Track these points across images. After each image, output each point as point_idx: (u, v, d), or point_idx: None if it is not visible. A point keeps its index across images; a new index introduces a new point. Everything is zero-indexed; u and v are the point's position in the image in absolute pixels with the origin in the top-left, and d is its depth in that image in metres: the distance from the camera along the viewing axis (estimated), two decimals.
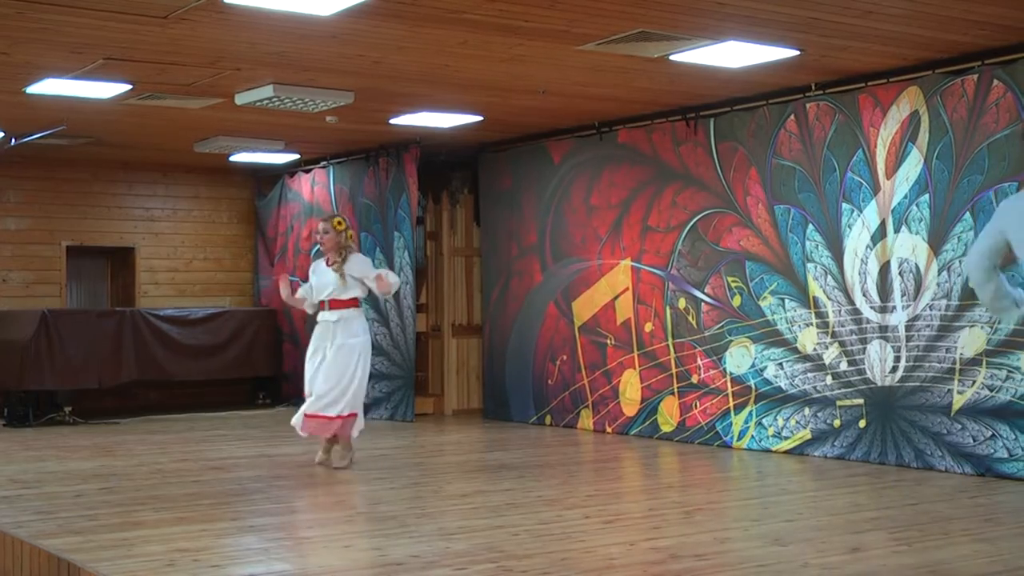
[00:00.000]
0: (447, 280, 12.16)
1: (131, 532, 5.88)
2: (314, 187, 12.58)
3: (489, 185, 11.57)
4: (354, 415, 8.01)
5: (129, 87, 8.35)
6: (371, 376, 11.59)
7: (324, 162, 12.41)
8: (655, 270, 9.75)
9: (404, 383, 11.35)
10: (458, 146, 11.42)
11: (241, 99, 8.61)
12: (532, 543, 5.61)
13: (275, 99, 8.46)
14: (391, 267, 11.43)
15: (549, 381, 10.76)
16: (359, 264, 8.10)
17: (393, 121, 10.04)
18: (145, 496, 7.03)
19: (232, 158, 12.11)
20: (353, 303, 8.03)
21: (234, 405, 12.63)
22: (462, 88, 8.62)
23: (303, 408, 8.03)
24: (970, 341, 7.57)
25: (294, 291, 8.33)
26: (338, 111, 9.29)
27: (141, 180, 13.00)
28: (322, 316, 8.07)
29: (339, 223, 8.05)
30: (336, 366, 7.90)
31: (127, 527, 6.03)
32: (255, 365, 12.67)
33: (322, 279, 8.09)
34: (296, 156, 12.39)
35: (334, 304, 8.00)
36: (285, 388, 12.87)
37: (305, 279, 12.36)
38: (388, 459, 8.78)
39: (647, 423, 9.80)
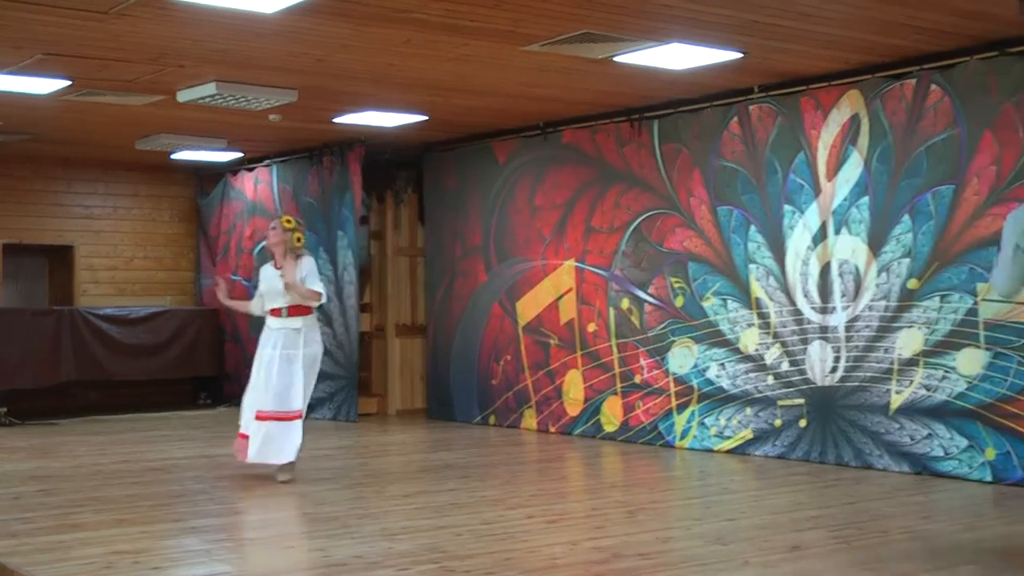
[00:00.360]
0: (391, 280, 12.13)
1: (69, 535, 5.80)
2: (257, 186, 12.49)
3: (434, 185, 11.55)
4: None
5: (68, 83, 8.24)
6: None
7: (267, 161, 12.33)
8: (598, 270, 9.78)
9: (347, 383, 11.30)
10: (403, 145, 11.40)
11: (183, 96, 8.52)
12: (475, 543, 5.61)
13: (218, 96, 8.39)
14: (334, 266, 11.38)
15: (493, 381, 10.76)
16: (302, 268, 7.50)
17: (337, 120, 9.99)
18: (84, 498, 6.94)
19: (174, 156, 11.99)
20: (310, 309, 7.63)
21: (175, 405, 12.51)
22: (407, 87, 8.60)
23: (300, 427, 7.42)
24: (908, 342, 7.67)
25: (236, 295, 7.93)
26: (282, 109, 9.23)
27: (81, 177, 12.83)
28: (281, 323, 7.50)
29: (287, 221, 7.62)
30: (308, 377, 7.51)
31: (64, 529, 5.95)
32: (197, 365, 12.57)
33: (271, 285, 7.55)
34: (239, 154, 12.30)
35: (295, 311, 7.51)
36: (227, 388, 12.77)
37: (248, 278, 12.41)
38: (331, 459, 8.74)
39: (590, 423, 9.83)
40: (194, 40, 7.08)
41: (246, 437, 7.49)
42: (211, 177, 13.27)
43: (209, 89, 8.25)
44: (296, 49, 7.34)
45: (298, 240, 7.58)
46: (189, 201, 13.51)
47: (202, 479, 7.75)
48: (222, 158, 12.41)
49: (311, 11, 6.38)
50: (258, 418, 7.43)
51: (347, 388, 11.30)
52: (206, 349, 12.56)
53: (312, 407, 11.53)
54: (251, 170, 12.59)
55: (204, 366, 12.63)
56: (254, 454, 7.41)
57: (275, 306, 7.57)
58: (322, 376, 11.45)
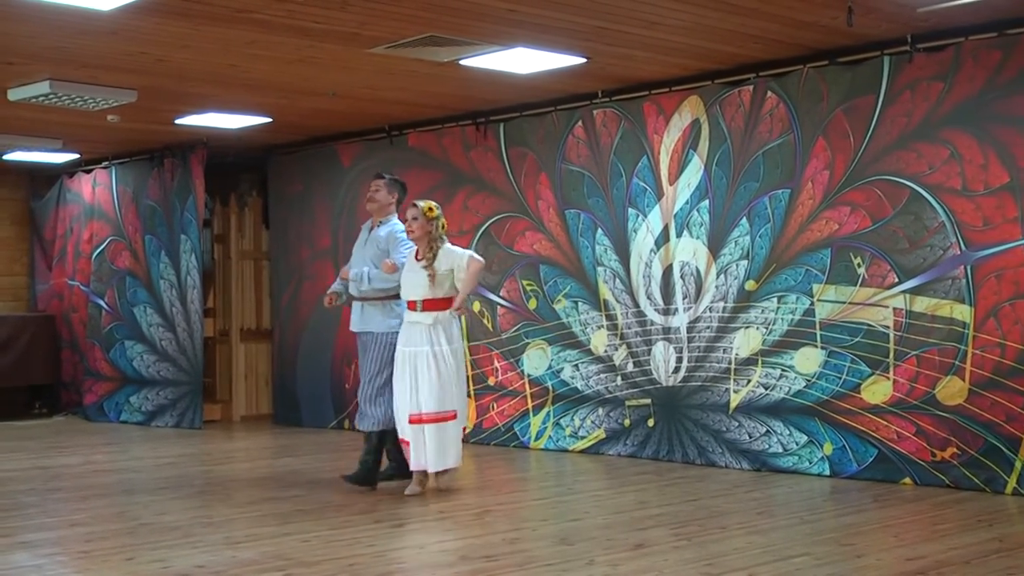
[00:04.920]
0: (235, 284, 11.91)
1: None
2: (95, 188, 12.12)
3: (278, 188, 11.39)
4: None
5: None
6: (156, 383, 11.37)
7: (106, 162, 11.98)
8: None
9: (191, 389, 11.06)
10: (246, 148, 11.21)
11: (15, 95, 8.24)
12: (321, 549, 5.55)
13: (52, 96, 8.13)
14: (176, 270, 11.13)
15: (346, 385, 10.65)
16: (447, 257, 7.01)
17: (179, 121, 9.77)
18: None
19: (5, 157, 11.56)
20: (448, 303, 7.04)
21: (8, 415, 12.02)
22: (250, 89, 8.47)
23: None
24: (746, 341, 7.88)
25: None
26: (120, 110, 8.99)
27: None
28: (418, 317, 7.01)
29: (430, 209, 7.01)
30: (443, 373, 7.01)
31: None
32: (31, 373, 12.11)
33: (413, 277, 7.04)
34: (76, 156, 11.92)
35: (429, 305, 6.99)
36: (64, 397, 12.37)
37: (86, 283, 12.04)
38: (173, 467, 8.54)
39: None
40: (25, 36, 6.83)
41: (407, 443, 7.09)
42: (45, 179, 12.82)
43: (42, 88, 7.98)
44: (134, 48, 7.15)
45: (443, 227, 7.10)
46: (21, 204, 13.02)
47: (35, 491, 7.48)
48: (57, 159, 12.00)
49: (149, 9, 6.22)
50: (412, 422, 7.02)
51: (191, 394, 11.06)
52: (41, 357, 12.11)
53: (154, 414, 11.32)
54: (89, 172, 12.22)
55: (39, 375, 12.18)
56: (433, 462, 7.03)
57: (412, 298, 7.05)
58: (164, 383, 11.29)
